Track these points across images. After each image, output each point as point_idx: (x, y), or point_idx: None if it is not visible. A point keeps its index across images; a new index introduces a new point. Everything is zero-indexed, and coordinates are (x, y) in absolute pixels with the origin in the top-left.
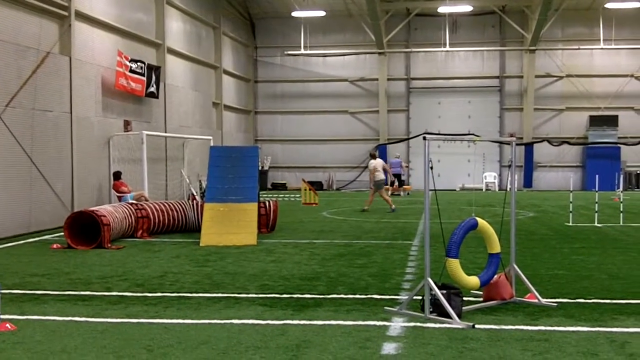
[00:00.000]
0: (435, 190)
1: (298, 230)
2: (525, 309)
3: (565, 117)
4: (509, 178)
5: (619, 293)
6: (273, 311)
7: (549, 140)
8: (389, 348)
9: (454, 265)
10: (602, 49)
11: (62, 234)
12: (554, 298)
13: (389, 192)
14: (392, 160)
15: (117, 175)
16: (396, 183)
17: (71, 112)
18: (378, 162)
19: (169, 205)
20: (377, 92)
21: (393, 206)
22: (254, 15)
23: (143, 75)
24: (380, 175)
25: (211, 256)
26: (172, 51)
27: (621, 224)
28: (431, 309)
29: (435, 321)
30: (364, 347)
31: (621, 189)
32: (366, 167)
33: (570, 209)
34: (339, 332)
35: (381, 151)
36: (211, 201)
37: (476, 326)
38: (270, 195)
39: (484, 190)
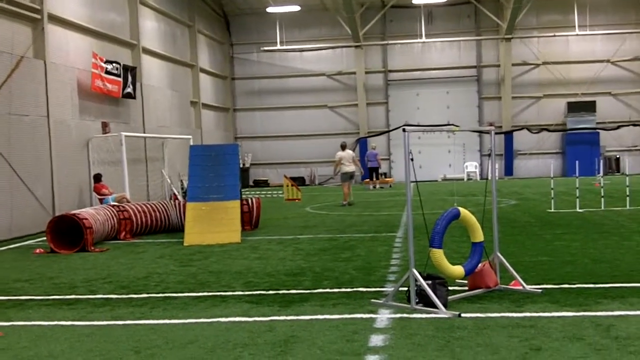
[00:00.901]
0: (416, 181)
1: (282, 226)
2: (510, 296)
3: (543, 104)
4: (490, 167)
5: (603, 277)
6: (259, 308)
7: (528, 128)
8: (376, 340)
9: (438, 255)
10: (577, 35)
11: (45, 238)
12: (539, 284)
13: (374, 186)
14: (368, 152)
15: (97, 178)
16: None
17: (48, 116)
18: (346, 154)
19: (151, 206)
20: (355, 86)
21: (345, 202)
22: (228, 12)
23: (119, 76)
24: (346, 168)
25: (195, 255)
26: (147, 51)
27: (602, 208)
28: (417, 300)
29: (421, 311)
30: (351, 340)
31: (601, 174)
32: None
33: (552, 196)
34: (326, 326)
35: (362, 144)
36: (193, 200)
37: (462, 315)
38: (253, 193)
39: (465, 180)
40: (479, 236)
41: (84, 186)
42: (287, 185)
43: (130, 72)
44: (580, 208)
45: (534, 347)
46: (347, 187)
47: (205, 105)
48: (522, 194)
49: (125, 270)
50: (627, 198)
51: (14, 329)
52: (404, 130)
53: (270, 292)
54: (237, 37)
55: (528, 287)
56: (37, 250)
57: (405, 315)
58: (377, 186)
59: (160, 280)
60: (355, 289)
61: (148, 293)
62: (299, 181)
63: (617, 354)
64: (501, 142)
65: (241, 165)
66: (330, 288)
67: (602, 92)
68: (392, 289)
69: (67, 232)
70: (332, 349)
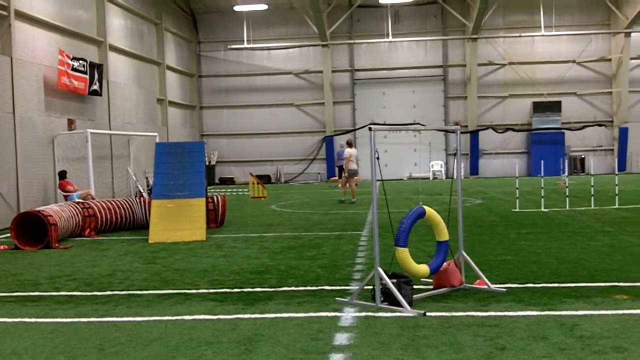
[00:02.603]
0: (382, 180)
1: (247, 224)
2: (475, 295)
3: (508, 104)
4: (455, 166)
5: (567, 277)
6: (224, 306)
7: (494, 128)
8: (341, 338)
9: (404, 254)
10: (543, 35)
11: (9, 235)
12: (503, 283)
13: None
14: (339, 150)
15: (62, 175)
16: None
17: (14, 112)
18: (354, 151)
19: (116, 203)
20: (322, 85)
21: (355, 199)
22: (195, 10)
23: (85, 73)
24: (353, 165)
25: (160, 253)
26: (114, 48)
27: (567, 208)
28: (382, 298)
29: (386, 310)
30: (316, 339)
31: (566, 173)
32: (314, 159)
33: (517, 195)
34: (290, 324)
35: (328, 143)
36: (158, 198)
37: (427, 314)
38: (219, 190)
39: (431, 178)
40: (444, 235)
41: (49, 183)
42: (253, 183)
43: (96, 69)
44: (545, 208)
45: (499, 347)
46: (353, 185)
47: (172, 103)
48: (488, 193)
49: (89, 267)
50: (592, 198)
51: None
52: (370, 129)
53: (235, 290)
54: (205, 35)
55: (493, 286)
56: (1, 247)
57: (370, 313)
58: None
59: (124, 278)
60: (320, 288)
61: (112, 290)
62: (264, 179)
63: (582, 354)
64: (467, 142)
65: (207, 163)
66: (296, 286)
67: (567, 92)
68: (357, 287)
69: (31, 229)
70: (296, 347)
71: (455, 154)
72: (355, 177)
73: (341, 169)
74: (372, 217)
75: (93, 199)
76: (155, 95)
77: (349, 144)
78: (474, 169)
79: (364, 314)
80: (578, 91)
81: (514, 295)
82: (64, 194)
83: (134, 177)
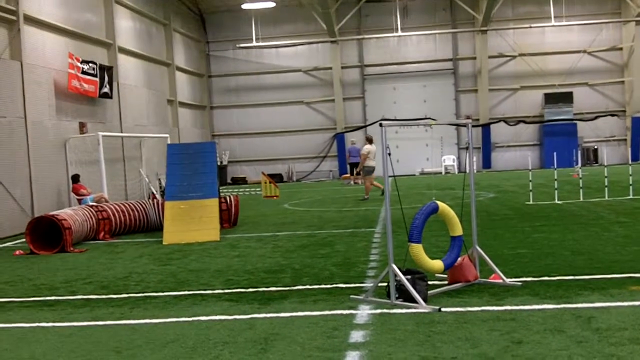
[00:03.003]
0: (394, 176)
1: (260, 223)
2: (490, 290)
3: (520, 96)
4: (468, 160)
5: (583, 269)
6: (239, 306)
7: (505, 120)
8: (356, 336)
9: (417, 250)
10: (553, 26)
11: (24, 240)
12: (518, 277)
13: (354, 182)
14: (350, 147)
15: (75, 178)
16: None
17: (25, 117)
18: (374, 148)
19: (130, 206)
20: (331, 81)
21: (367, 196)
22: (203, 10)
23: (95, 76)
24: (372, 162)
25: (174, 254)
26: (123, 50)
27: (581, 199)
28: (397, 295)
29: (401, 307)
30: (331, 337)
31: (580, 165)
32: (325, 156)
33: (530, 188)
34: (306, 323)
35: (339, 140)
36: (171, 199)
37: (442, 309)
38: (231, 190)
39: (443, 173)
40: (458, 230)
41: (62, 187)
42: (265, 182)
43: (106, 72)
44: (558, 200)
45: (515, 341)
46: (368, 182)
47: (182, 104)
48: (501, 186)
49: (104, 270)
50: (606, 189)
51: None
52: (380, 125)
53: (250, 289)
54: (213, 34)
55: (508, 280)
56: (17, 252)
57: (385, 310)
58: (356, 182)
59: (140, 280)
60: (334, 285)
61: (128, 293)
62: (276, 178)
63: (599, 346)
64: (478, 135)
65: (219, 163)
66: (310, 284)
67: (579, 83)
68: (372, 284)
69: (46, 233)
70: (312, 345)
71: (467, 148)
72: (372, 175)
73: (352, 165)
74: (385, 213)
75: (106, 201)
76: (165, 96)
77: (370, 140)
78: (486, 163)
79: (379, 311)
80: (589, 81)
81: (529, 288)
82: (78, 197)
83: (146, 179)
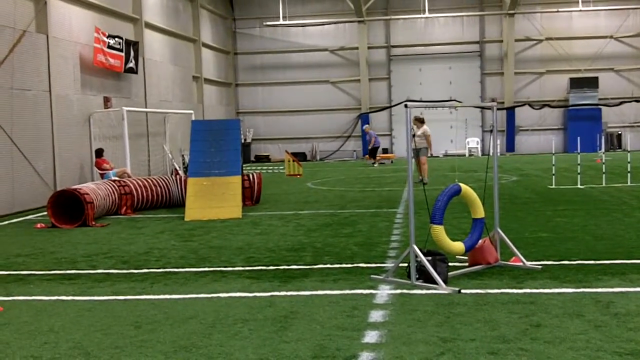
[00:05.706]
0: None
1: (283, 201)
2: (510, 273)
3: (545, 80)
4: (492, 143)
5: (603, 254)
6: (260, 283)
7: (530, 104)
8: (376, 316)
9: (439, 231)
10: (580, 11)
11: (46, 213)
12: (539, 260)
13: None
14: (371, 132)
15: (99, 153)
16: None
17: (50, 91)
18: (426, 129)
19: (152, 181)
20: (357, 61)
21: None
22: None
23: (121, 50)
24: (422, 143)
25: (196, 230)
26: (149, 25)
27: (604, 184)
28: (417, 276)
29: (421, 287)
30: (351, 316)
31: (603, 150)
32: (349, 136)
33: (553, 172)
34: (326, 301)
35: (364, 120)
36: (194, 175)
37: (462, 291)
38: (254, 168)
39: (467, 155)
40: (480, 212)
41: (85, 161)
42: (289, 161)
43: (132, 47)
44: (581, 184)
45: (534, 324)
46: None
47: (207, 80)
48: (524, 170)
49: (126, 245)
50: (629, 174)
51: (14, 304)
52: (405, 106)
53: (271, 267)
54: (240, 11)
55: (528, 264)
56: (39, 225)
57: (405, 291)
58: (378, 163)
59: (160, 256)
60: (355, 265)
61: (149, 268)
62: (300, 157)
63: (617, 331)
64: (503, 118)
65: (243, 141)
66: (331, 264)
67: (604, 68)
68: (393, 265)
69: (68, 207)
70: (332, 324)
71: (491, 131)
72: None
73: (373, 150)
74: (407, 194)
75: (129, 176)
76: (191, 72)
77: (422, 121)
78: (510, 146)
79: (399, 291)
80: (615, 67)
81: (549, 272)
82: (100, 172)
83: (170, 155)
